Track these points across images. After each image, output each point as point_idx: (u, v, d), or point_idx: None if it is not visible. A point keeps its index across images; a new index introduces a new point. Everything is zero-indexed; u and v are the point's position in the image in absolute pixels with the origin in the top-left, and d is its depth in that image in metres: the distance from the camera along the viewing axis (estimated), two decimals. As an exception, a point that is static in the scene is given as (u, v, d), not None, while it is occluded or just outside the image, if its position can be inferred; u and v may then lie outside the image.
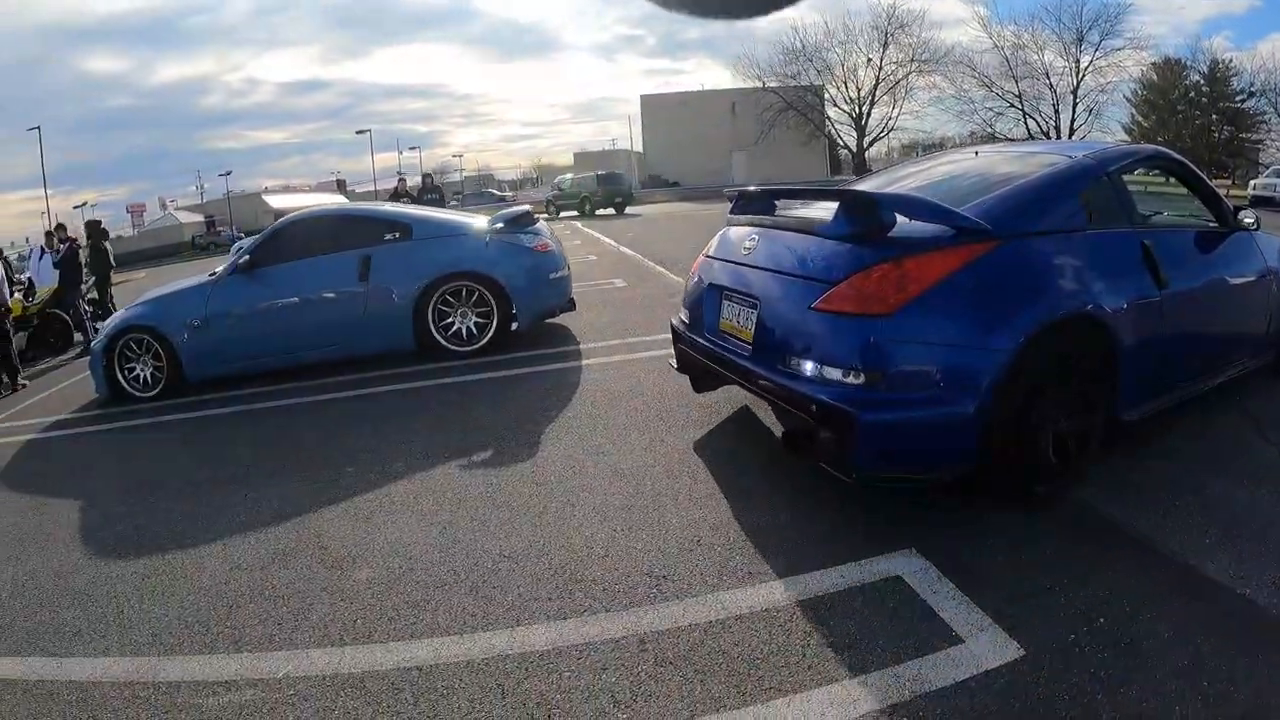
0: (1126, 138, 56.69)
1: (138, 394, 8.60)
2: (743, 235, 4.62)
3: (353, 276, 8.16)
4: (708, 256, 4.94)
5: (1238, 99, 53.13)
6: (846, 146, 58.40)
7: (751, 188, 5.03)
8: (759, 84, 55.87)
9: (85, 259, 14.19)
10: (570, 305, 8.91)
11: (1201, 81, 54.97)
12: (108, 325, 8.76)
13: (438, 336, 8.38)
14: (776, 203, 4.78)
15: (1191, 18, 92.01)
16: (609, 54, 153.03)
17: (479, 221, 8.98)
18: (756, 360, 4.08)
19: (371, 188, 64.04)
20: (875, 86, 55.97)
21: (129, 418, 8.19)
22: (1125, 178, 4.53)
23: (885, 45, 54.68)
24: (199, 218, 54.87)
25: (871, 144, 57.83)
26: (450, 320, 8.41)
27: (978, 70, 53.70)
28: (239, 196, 64.66)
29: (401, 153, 78.28)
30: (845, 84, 56.26)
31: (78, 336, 14.17)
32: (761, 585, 3.45)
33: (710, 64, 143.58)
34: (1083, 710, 2.51)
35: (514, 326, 8.36)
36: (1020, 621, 2.98)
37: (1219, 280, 4.73)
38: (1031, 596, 3.15)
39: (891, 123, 57.24)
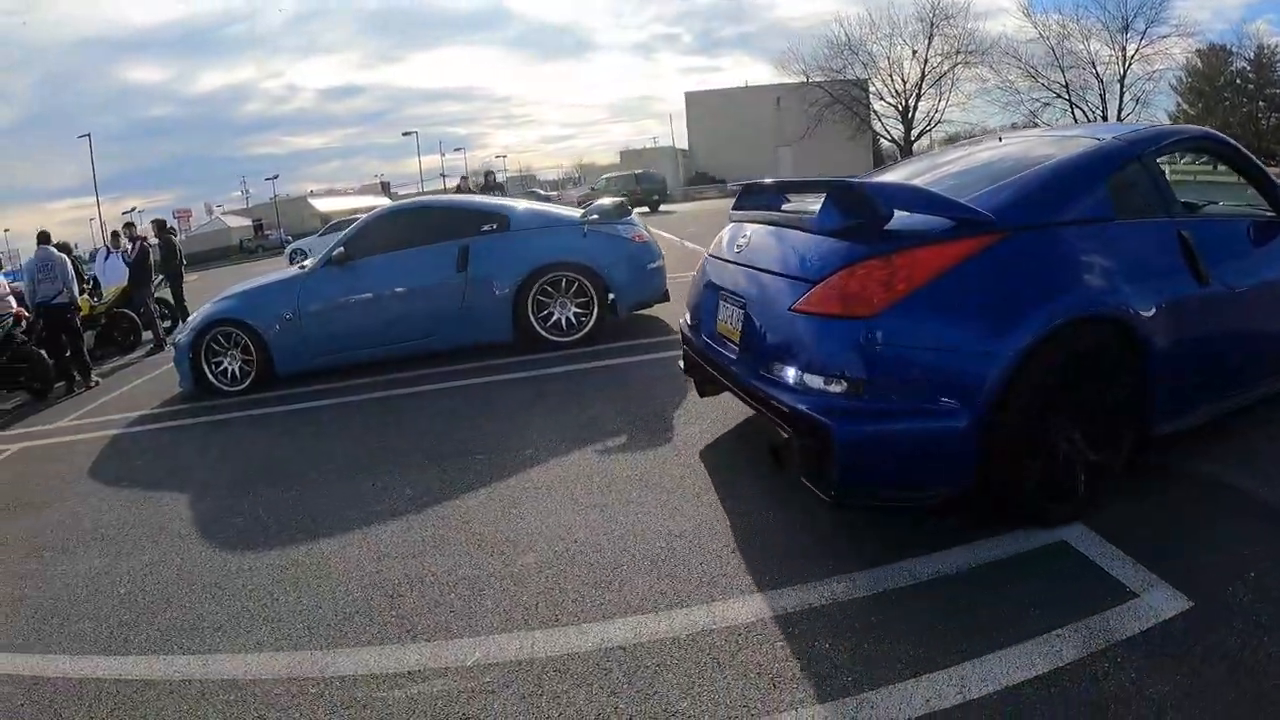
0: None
1: (225, 388, 8.49)
2: (738, 232, 4.33)
3: (450, 267, 8.02)
4: (710, 255, 4.65)
5: None
6: (893, 140, 57.74)
7: (755, 181, 4.66)
8: (803, 79, 55.45)
9: (155, 257, 14.04)
10: (665, 296, 8.68)
11: (1247, 68, 53.98)
12: (193, 320, 8.68)
13: (537, 327, 8.18)
14: (787, 197, 4.41)
15: (1233, 2, 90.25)
16: (646, 53, 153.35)
17: (574, 212, 8.83)
18: (742, 364, 3.81)
19: (416, 189, 64.45)
20: (921, 79, 55.37)
21: (216, 411, 8.06)
22: (1164, 163, 4.13)
23: (930, 37, 54.02)
24: (246, 221, 55.49)
25: (918, 137, 57.11)
26: (549, 310, 8.22)
27: (1023, 60, 52.93)
28: (285, 200, 65.57)
29: (444, 154, 78.26)
30: (891, 77, 55.79)
31: (145, 335, 14.13)
32: (941, 552, 3.41)
33: (747, 61, 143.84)
34: (1253, 651, 2.64)
35: (612, 316, 8.21)
36: (1182, 578, 3.05)
37: (1274, 276, 4.18)
38: (1185, 556, 3.20)
39: (938, 115, 56.54)
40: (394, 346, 8.29)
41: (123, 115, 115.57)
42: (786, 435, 3.34)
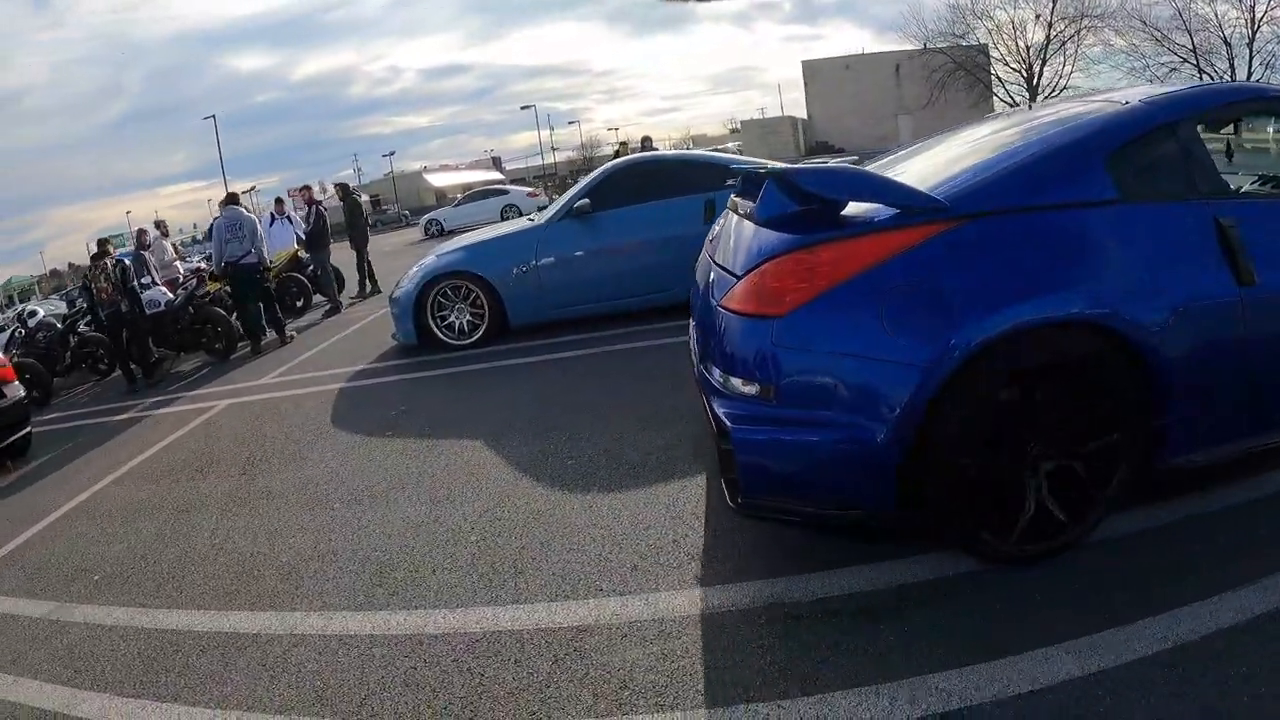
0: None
1: (451, 341, 8.30)
2: (721, 222, 3.98)
3: (697, 220, 7.57)
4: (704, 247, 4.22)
5: None
6: (1018, 106, 55.74)
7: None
8: (922, 46, 53.51)
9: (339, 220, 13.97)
10: None
11: None
12: (415, 274, 8.44)
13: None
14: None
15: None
16: (744, 23, 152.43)
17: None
18: (700, 365, 3.45)
19: (524, 164, 64.70)
20: (1046, 43, 52.57)
21: (443, 365, 7.85)
22: (1204, 130, 3.35)
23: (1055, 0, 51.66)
24: (364, 197, 56.17)
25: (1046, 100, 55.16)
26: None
27: (1148, 24, 49.75)
28: (400, 176, 66.96)
29: (553, 130, 78.67)
30: (1015, 42, 53.57)
31: (317, 298, 14.26)
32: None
33: (849, 27, 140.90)
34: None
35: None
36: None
37: None
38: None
39: (1062, 81, 54.21)
40: (629, 300, 8.12)
41: (231, 103, 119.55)
42: (712, 437, 3.15)
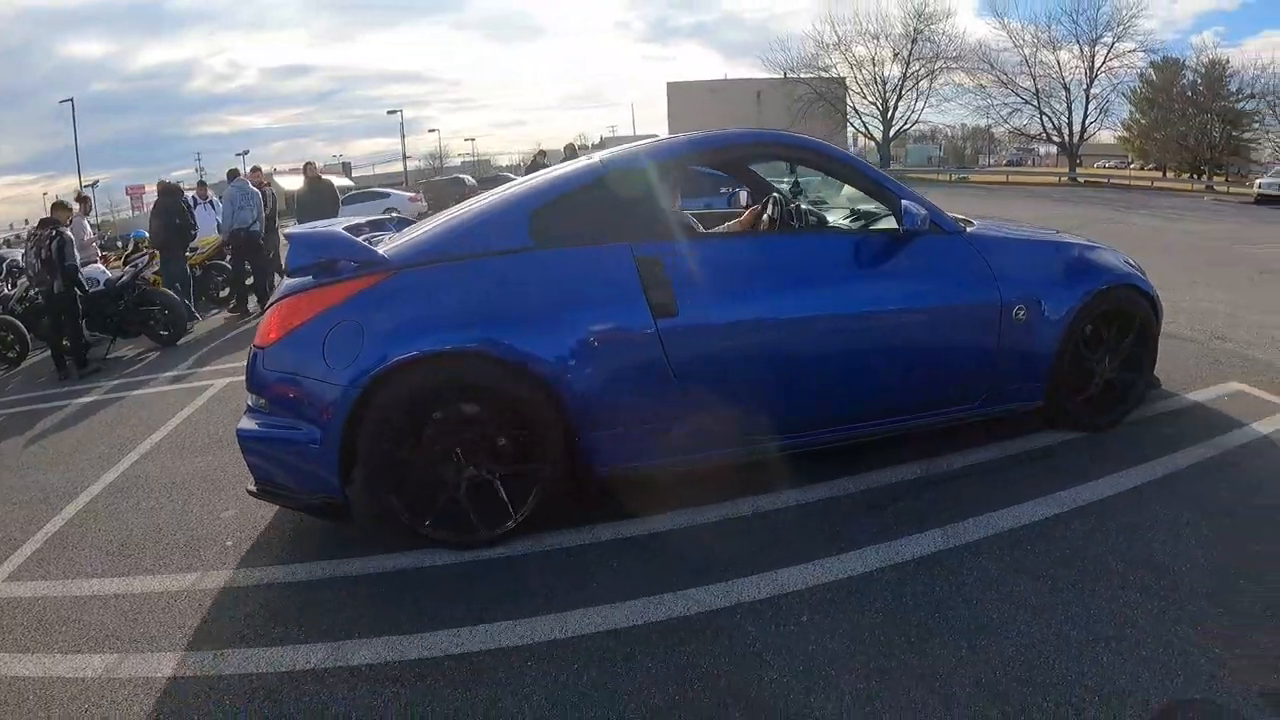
0: (1125, 134, 57.98)
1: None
2: None
3: None
4: None
5: (1233, 99, 53.93)
6: (871, 137, 58.42)
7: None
8: (783, 75, 56.38)
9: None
10: None
11: (1198, 81, 55.79)
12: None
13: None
14: None
15: (1184, 13, 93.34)
16: (598, 40, 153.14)
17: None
18: None
19: (370, 171, 63.01)
20: (902, 80, 56.37)
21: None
22: (636, 180, 3.96)
23: (914, 40, 54.89)
24: (211, 198, 53.44)
25: (895, 135, 58.10)
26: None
27: (996, 67, 54.57)
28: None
29: (405, 137, 76.89)
30: (875, 79, 56.59)
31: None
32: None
33: (700, 51, 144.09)
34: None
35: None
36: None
37: (841, 304, 3.90)
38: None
39: (915, 115, 57.50)
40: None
41: (63, 91, 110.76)
42: None
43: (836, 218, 5.03)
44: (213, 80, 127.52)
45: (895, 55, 55.06)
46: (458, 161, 72.31)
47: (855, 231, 4.41)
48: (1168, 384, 5.38)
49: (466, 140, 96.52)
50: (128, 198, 52.31)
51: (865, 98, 57.06)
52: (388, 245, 3.83)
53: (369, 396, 3.43)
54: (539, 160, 18.12)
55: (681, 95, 60.49)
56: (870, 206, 4.62)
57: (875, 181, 4.19)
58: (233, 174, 12.94)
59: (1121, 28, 52.46)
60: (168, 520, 4.60)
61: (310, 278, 3.67)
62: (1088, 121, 54.68)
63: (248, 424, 3.75)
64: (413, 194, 34.30)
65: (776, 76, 56.49)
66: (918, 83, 55.86)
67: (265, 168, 15.21)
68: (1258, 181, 34.29)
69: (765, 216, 4.73)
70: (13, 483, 5.66)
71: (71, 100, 49.84)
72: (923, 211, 3.90)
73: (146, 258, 10.60)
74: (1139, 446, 4.40)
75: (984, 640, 2.85)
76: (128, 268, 10.53)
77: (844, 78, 56.60)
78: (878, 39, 55.23)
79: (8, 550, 4.46)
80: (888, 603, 3.12)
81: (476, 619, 3.21)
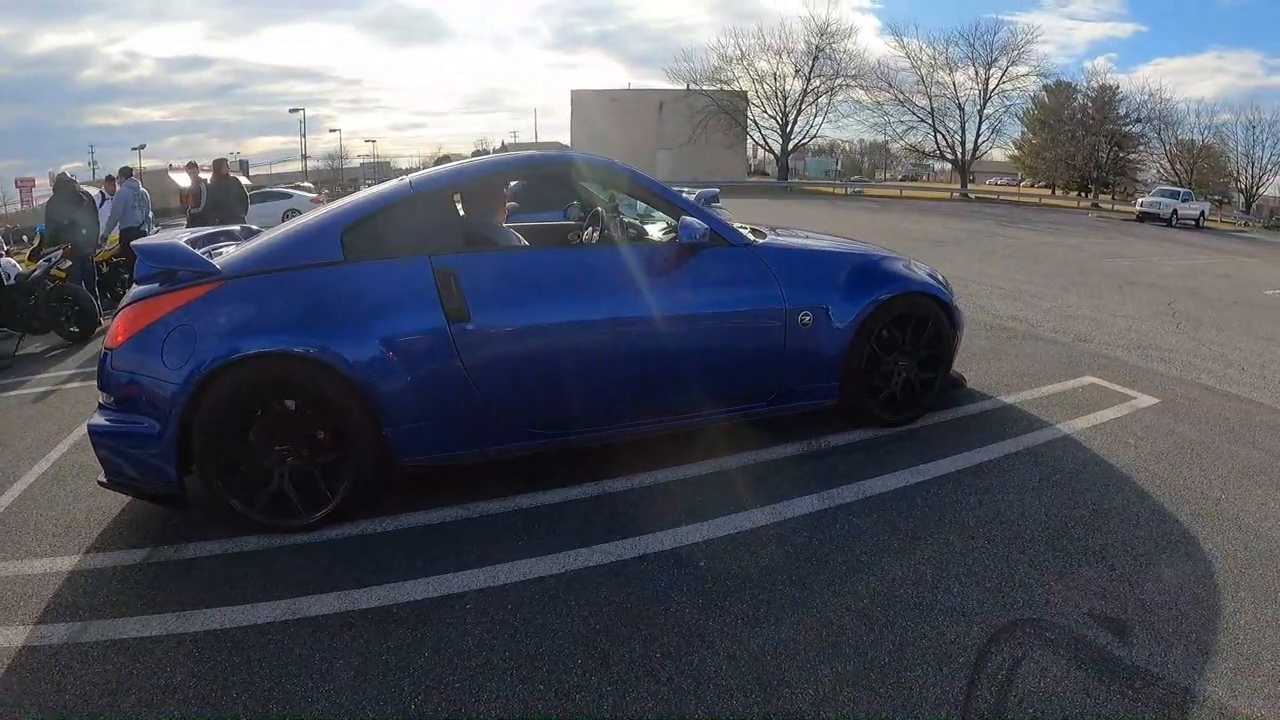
0: (1017, 153, 60.32)
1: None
2: None
3: None
4: None
5: (1121, 122, 56.79)
6: (770, 150, 59.45)
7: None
8: (685, 86, 57.09)
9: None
10: None
11: (1089, 105, 58.57)
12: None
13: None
14: None
15: (1080, 39, 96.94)
16: (502, 44, 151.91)
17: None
18: None
19: (266, 170, 61.66)
20: (802, 96, 57.76)
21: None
22: (447, 197, 4.69)
23: (815, 58, 56.31)
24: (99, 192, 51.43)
25: (794, 149, 59.18)
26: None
27: (894, 86, 56.90)
28: (143, 174, 61.14)
29: (304, 136, 75.08)
30: (776, 93, 57.83)
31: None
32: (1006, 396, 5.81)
33: (604, 60, 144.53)
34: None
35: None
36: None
37: (623, 309, 4.29)
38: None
39: (814, 130, 58.71)
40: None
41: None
42: None
43: (657, 230, 5.37)
44: (107, 70, 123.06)
45: (797, 71, 56.39)
46: (357, 163, 70.87)
47: (643, 244, 4.79)
48: (1029, 379, 6.23)
49: (367, 141, 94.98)
50: (16, 190, 49.85)
51: (766, 111, 58.35)
52: (226, 256, 4.20)
53: (200, 393, 3.79)
54: (441, 163, 18.22)
55: (585, 104, 60.76)
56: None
57: (661, 197, 4.62)
58: (125, 171, 13.29)
59: (1016, 52, 55.07)
60: (110, 503, 4.79)
61: (156, 285, 3.98)
62: (980, 140, 56.28)
63: (98, 420, 4.02)
64: (315, 195, 33.64)
65: (679, 88, 57.06)
66: (818, 98, 57.39)
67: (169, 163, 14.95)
68: (1139, 200, 37.46)
69: (589, 230, 5.35)
70: None
71: None
72: (702, 225, 4.27)
73: (59, 253, 10.54)
74: (1001, 425, 5.23)
75: (852, 579, 3.47)
76: (40, 262, 10.47)
77: (745, 91, 57.47)
78: (780, 54, 56.60)
79: None
80: (774, 551, 3.73)
81: (358, 584, 3.63)
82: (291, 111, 67.23)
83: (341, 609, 3.44)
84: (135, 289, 4.13)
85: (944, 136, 57.34)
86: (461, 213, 4.94)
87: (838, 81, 56.77)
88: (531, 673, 2.95)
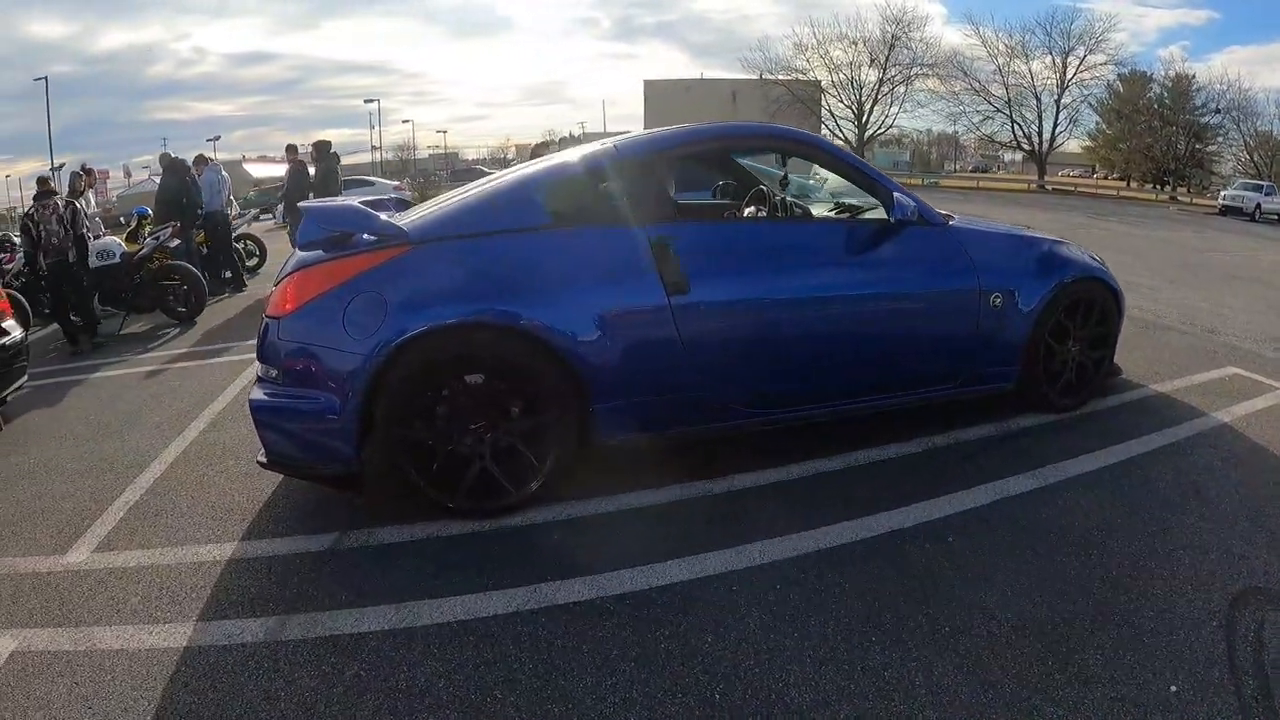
0: (1091, 144, 58.89)
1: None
2: None
3: None
4: None
5: (1198, 113, 55.28)
6: (846, 140, 58.56)
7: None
8: (758, 75, 56.80)
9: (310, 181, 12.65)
10: None
11: (1164, 95, 57.00)
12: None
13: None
14: None
15: (1150, 25, 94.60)
16: (563, 36, 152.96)
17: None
18: None
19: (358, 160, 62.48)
20: (878, 85, 56.76)
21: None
22: (657, 164, 4.26)
23: (891, 46, 55.36)
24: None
25: (870, 139, 58.34)
26: None
27: (969, 75, 55.60)
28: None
29: (374, 128, 76.17)
30: (851, 82, 57.02)
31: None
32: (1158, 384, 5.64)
33: (665, 50, 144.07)
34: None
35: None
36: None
37: (831, 287, 4.12)
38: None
39: (889, 120, 57.84)
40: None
41: (21, 73, 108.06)
42: None
43: (820, 212, 5.32)
44: (175, 66, 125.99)
45: (872, 60, 55.42)
46: (426, 154, 71.60)
47: (847, 220, 4.65)
48: (1174, 369, 6.09)
49: (438, 132, 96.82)
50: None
51: (841, 101, 57.52)
52: (406, 221, 3.86)
53: (389, 366, 3.47)
54: (540, 150, 17.67)
55: (658, 93, 60.86)
56: (853, 201, 4.92)
57: (869, 176, 4.39)
58: (201, 159, 12.64)
59: (1094, 41, 53.38)
60: (267, 484, 4.45)
61: (321, 251, 3.70)
62: (1057, 131, 55.03)
63: (260, 395, 3.70)
64: (397, 184, 33.76)
65: (751, 77, 56.75)
66: (894, 88, 56.41)
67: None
68: (1222, 194, 36.21)
69: (752, 208, 5.13)
70: (71, 453, 5.40)
71: (45, 79, 48.12)
72: (911, 204, 4.16)
73: (168, 230, 10.19)
74: (1163, 411, 5.14)
75: (1093, 552, 3.44)
76: (148, 240, 10.11)
77: (819, 81, 56.79)
78: (856, 44, 55.60)
79: (87, 520, 4.27)
80: (1010, 528, 3.67)
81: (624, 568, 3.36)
82: (366, 102, 68.34)
83: (591, 595, 3.16)
84: (299, 255, 3.86)
85: (1020, 126, 55.91)
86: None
87: (914, 70, 55.94)
88: (829, 653, 2.77)
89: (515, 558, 3.45)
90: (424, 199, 7.18)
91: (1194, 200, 42.50)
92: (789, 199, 5.38)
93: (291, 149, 13.31)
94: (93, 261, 9.47)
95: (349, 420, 3.51)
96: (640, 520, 3.74)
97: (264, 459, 3.77)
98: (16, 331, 6.31)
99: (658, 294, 3.68)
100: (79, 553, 3.91)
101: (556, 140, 19.22)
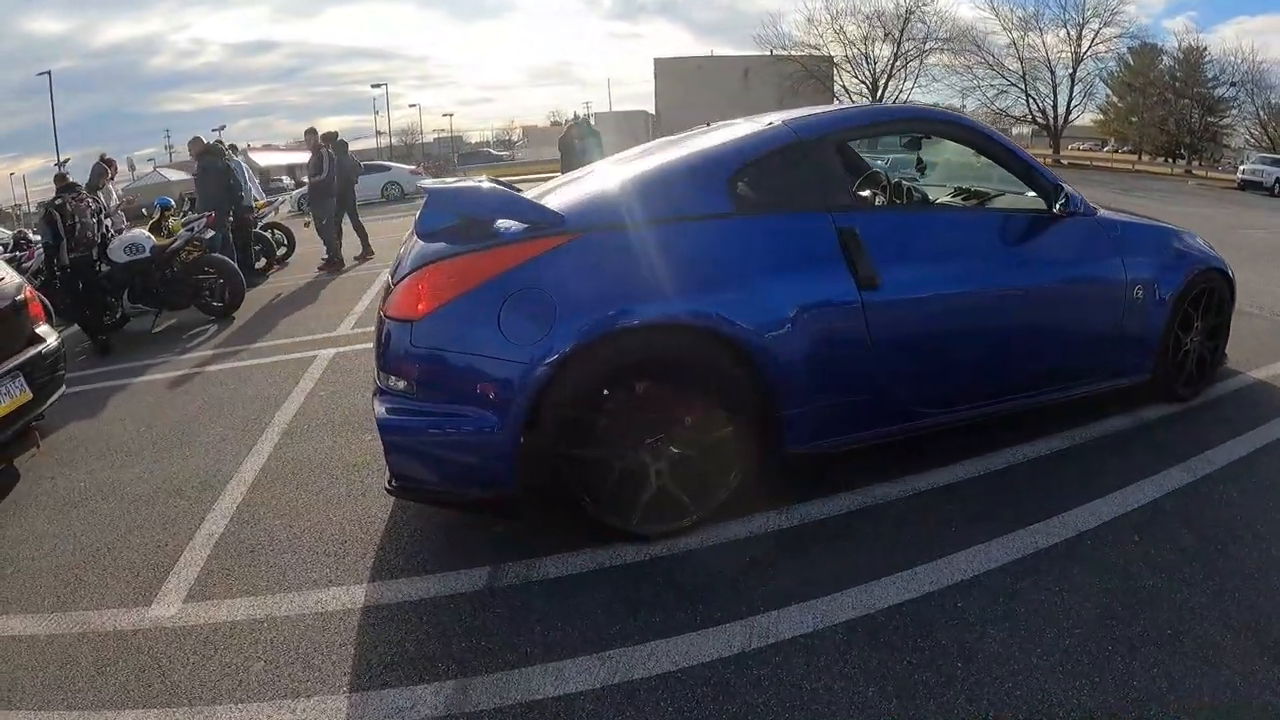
0: (1102, 117, 58.24)
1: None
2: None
3: None
4: None
5: (1209, 85, 54.44)
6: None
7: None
8: (769, 52, 56.07)
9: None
10: None
11: (1175, 67, 56.10)
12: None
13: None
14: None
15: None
16: (565, 17, 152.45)
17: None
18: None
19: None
20: (893, 60, 55.77)
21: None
22: (843, 144, 4.06)
23: (905, 20, 54.42)
24: (183, 175, 51.88)
25: (884, 117, 57.72)
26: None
27: (983, 49, 54.43)
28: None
29: (378, 113, 76.07)
30: (865, 57, 56.15)
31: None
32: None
33: (669, 29, 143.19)
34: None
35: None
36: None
37: (1008, 281, 3.89)
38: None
39: (904, 95, 57.06)
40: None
41: (22, 70, 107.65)
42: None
43: (938, 196, 5.12)
44: (176, 57, 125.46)
45: (887, 34, 54.67)
46: (431, 138, 71.21)
47: (1014, 210, 4.33)
48: (1266, 354, 5.78)
49: (444, 116, 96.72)
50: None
51: (856, 76, 56.65)
52: (557, 205, 3.39)
53: (561, 375, 3.02)
54: (573, 130, 16.65)
55: (669, 71, 59.55)
56: (979, 188, 4.86)
57: (1029, 165, 4.13)
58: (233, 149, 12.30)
59: (1109, 14, 52.39)
60: (380, 510, 3.85)
61: (445, 244, 3.22)
62: (1072, 104, 54.63)
63: (388, 411, 3.18)
64: (414, 168, 33.10)
65: (762, 53, 55.97)
66: (907, 63, 55.52)
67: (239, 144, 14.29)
68: (1240, 168, 35.26)
69: (865, 193, 4.82)
70: (129, 474, 4.75)
71: (49, 74, 47.32)
72: (1080, 196, 3.99)
73: (203, 221, 9.50)
74: (1274, 398, 4.96)
75: (1267, 544, 3.26)
76: (181, 231, 9.39)
77: (832, 57, 56.13)
78: (870, 19, 54.73)
79: (166, 559, 3.65)
80: (1186, 529, 3.42)
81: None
82: (374, 87, 67.51)
83: (816, 625, 2.78)
84: (421, 246, 3.30)
85: (1035, 100, 55.14)
86: None
87: (928, 45, 54.59)
88: (1076, 666, 2.57)
89: (712, 587, 3.02)
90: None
91: (1209, 174, 41.79)
92: (907, 184, 5.13)
93: (311, 132, 12.59)
94: (121, 256, 8.75)
95: (507, 438, 3.03)
96: (825, 535, 3.39)
97: (393, 484, 3.26)
98: (53, 338, 5.58)
99: (849, 288, 3.34)
100: (168, 603, 3.28)
101: (586, 117, 18.29)
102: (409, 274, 3.22)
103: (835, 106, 4.20)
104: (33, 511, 4.39)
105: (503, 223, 3.21)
